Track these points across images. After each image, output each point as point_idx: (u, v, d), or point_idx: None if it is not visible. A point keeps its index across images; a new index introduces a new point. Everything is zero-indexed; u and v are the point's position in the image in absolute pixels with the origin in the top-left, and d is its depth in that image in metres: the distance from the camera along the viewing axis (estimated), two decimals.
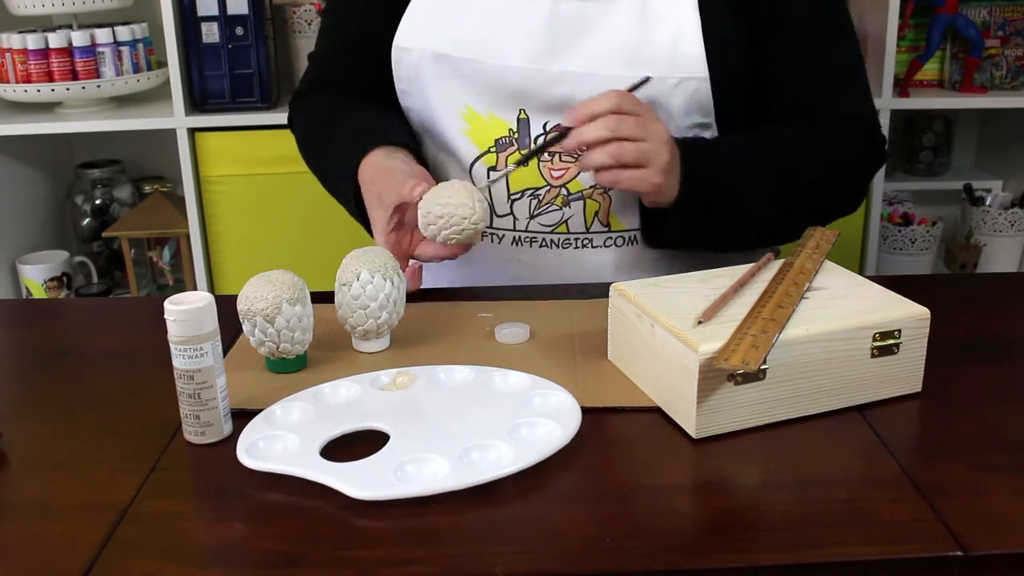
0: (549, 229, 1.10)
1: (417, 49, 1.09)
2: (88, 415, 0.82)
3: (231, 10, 1.90)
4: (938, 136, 2.26)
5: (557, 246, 1.10)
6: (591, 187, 1.08)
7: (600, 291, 0.92)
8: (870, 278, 0.88)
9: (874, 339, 0.78)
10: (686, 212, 1.00)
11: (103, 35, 1.96)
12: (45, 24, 2.07)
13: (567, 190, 1.08)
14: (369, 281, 0.87)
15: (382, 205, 1.00)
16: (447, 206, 0.94)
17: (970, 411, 0.80)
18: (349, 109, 1.14)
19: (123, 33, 1.98)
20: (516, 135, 1.07)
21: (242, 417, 0.77)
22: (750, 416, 0.76)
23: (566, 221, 1.09)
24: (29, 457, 0.76)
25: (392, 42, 1.11)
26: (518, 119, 1.07)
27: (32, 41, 1.91)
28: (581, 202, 1.08)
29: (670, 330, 0.76)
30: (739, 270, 0.88)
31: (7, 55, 1.93)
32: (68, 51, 1.93)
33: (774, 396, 0.76)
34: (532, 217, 1.10)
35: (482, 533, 0.64)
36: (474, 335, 0.93)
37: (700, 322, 0.77)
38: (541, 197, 1.09)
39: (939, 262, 2.23)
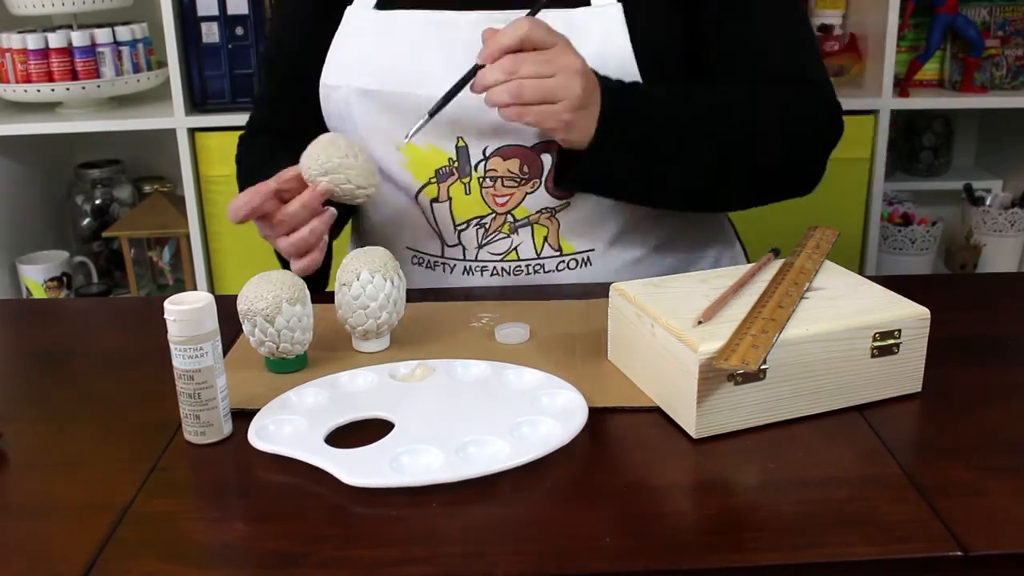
0: (499, 257, 1.08)
1: (343, 86, 1.07)
2: (88, 415, 0.82)
3: (231, 10, 1.90)
4: (938, 136, 2.26)
5: (508, 274, 1.09)
6: (537, 212, 1.06)
7: (600, 291, 0.92)
8: (870, 278, 0.88)
9: (874, 339, 0.78)
10: (601, 152, 0.96)
11: (103, 35, 1.96)
12: (45, 24, 2.07)
13: (513, 216, 1.06)
14: (369, 281, 0.87)
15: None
16: (344, 160, 0.94)
17: (970, 411, 0.80)
18: (278, 157, 1.08)
19: (123, 33, 1.98)
20: (456, 163, 1.05)
21: (242, 417, 0.78)
22: (750, 416, 0.76)
23: (515, 248, 1.07)
24: (29, 457, 0.76)
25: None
26: (457, 147, 1.04)
27: (32, 41, 1.91)
28: (528, 228, 1.07)
29: (670, 330, 0.76)
30: (739, 270, 0.88)
31: (7, 55, 1.93)
32: (68, 51, 1.93)
33: (774, 396, 0.76)
34: (481, 246, 1.08)
35: (482, 533, 0.64)
36: (474, 335, 0.93)
37: (700, 322, 0.77)
38: (487, 225, 1.07)
39: (939, 262, 2.23)
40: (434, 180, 1.06)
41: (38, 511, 0.69)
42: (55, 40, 1.92)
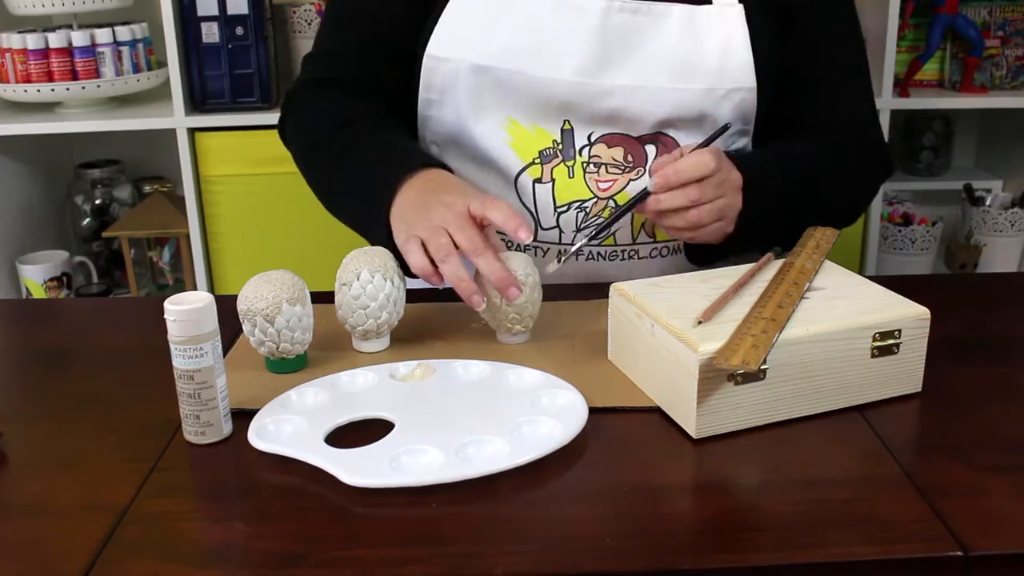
0: (596, 242, 1.09)
1: (455, 59, 1.04)
2: (88, 415, 0.82)
3: (231, 10, 1.90)
4: (938, 136, 2.26)
5: (604, 258, 1.09)
6: (642, 191, 1.07)
7: (600, 291, 0.92)
8: (870, 278, 0.88)
9: (874, 339, 0.78)
10: (737, 242, 1.01)
11: (103, 35, 1.96)
12: (45, 24, 2.07)
13: (615, 202, 1.07)
14: (369, 281, 0.87)
15: (466, 193, 0.93)
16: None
17: (970, 411, 0.80)
18: (365, 128, 1.07)
19: (123, 33, 1.98)
20: (560, 146, 1.06)
21: (242, 417, 0.78)
22: (750, 416, 0.76)
23: (613, 234, 1.08)
24: (29, 457, 0.76)
25: (414, 47, 1.07)
26: (562, 130, 1.05)
27: (32, 41, 1.91)
28: (629, 214, 1.06)
29: (670, 330, 0.76)
30: (739, 270, 0.88)
31: (7, 55, 1.93)
32: (68, 51, 1.93)
33: (774, 396, 0.76)
34: (579, 230, 1.08)
35: (482, 533, 0.64)
36: (474, 335, 0.93)
37: (700, 322, 0.77)
38: (588, 209, 1.08)
39: (939, 262, 2.23)
40: (537, 161, 1.07)
41: (38, 511, 0.68)
42: (55, 40, 1.92)
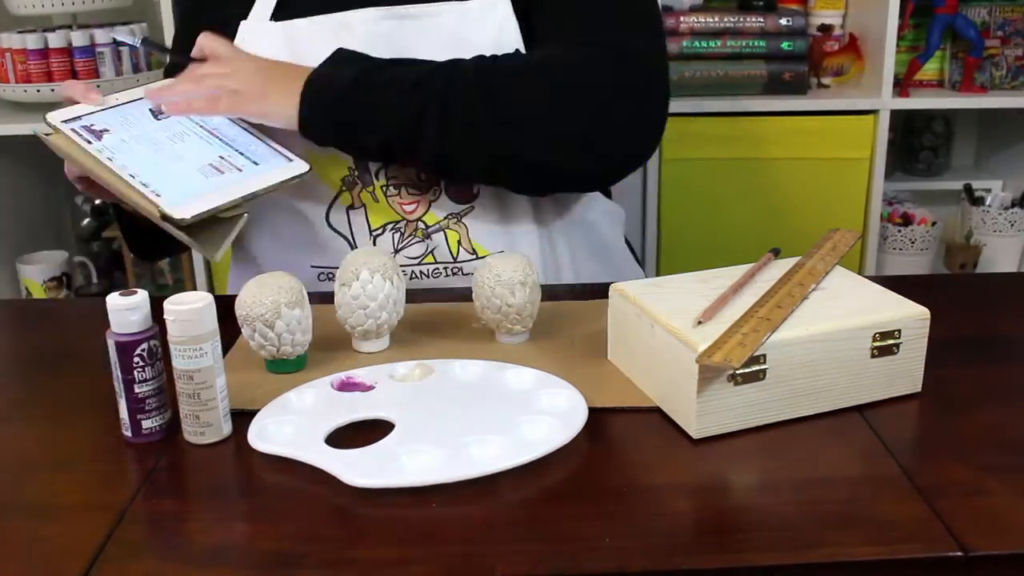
0: (416, 260, 1.08)
1: None
2: (87, 415, 0.82)
3: None
4: (938, 136, 2.26)
5: (428, 276, 1.09)
6: (446, 217, 1.07)
7: (600, 291, 0.92)
8: (870, 278, 0.88)
9: (874, 339, 0.78)
10: (312, 107, 0.99)
11: (103, 35, 1.96)
12: (44, 24, 2.07)
13: (424, 223, 1.07)
14: (369, 281, 0.87)
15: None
16: None
17: (970, 411, 0.80)
18: None
19: (123, 33, 1.98)
20: (356, 172, 1.06)
21: (242, 417, 0.78)
22: (750, 416, 0.76)
23: (432, 252, 1.08)
24: (29, 457, 0.76)
25: None
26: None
27: (31, 41, 1.91)
28: (442, 233, 1.08)
29: (670, 330, 0.76)
30: (739, 270, 0.88)
31: (7, 55, 1.93)
32: (67, 51, 1.93)
33: (774, 396, 0.76)
34: (397, 251, 1.08)
35: (482, 533, 0.64)
36: (474, 335, 0.93)
37: (700, 322, 0.77)
38: (403, 230, 1.08)
39: (939, 262, 2.23)
40: (344, 188, 1.07)
41: (38, 511, 0.68)
42: (54, 40, 1.92)
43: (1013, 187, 2.22)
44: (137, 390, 0.75)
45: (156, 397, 0.76)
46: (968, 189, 2.18)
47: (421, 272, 1.09)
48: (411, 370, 0.84)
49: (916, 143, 2.27)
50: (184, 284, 2.13)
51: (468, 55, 1.00)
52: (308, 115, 0.98)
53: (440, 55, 1.00)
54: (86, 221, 2.22)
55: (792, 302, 0.80)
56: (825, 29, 2.12)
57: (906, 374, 0.81)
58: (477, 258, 1.09)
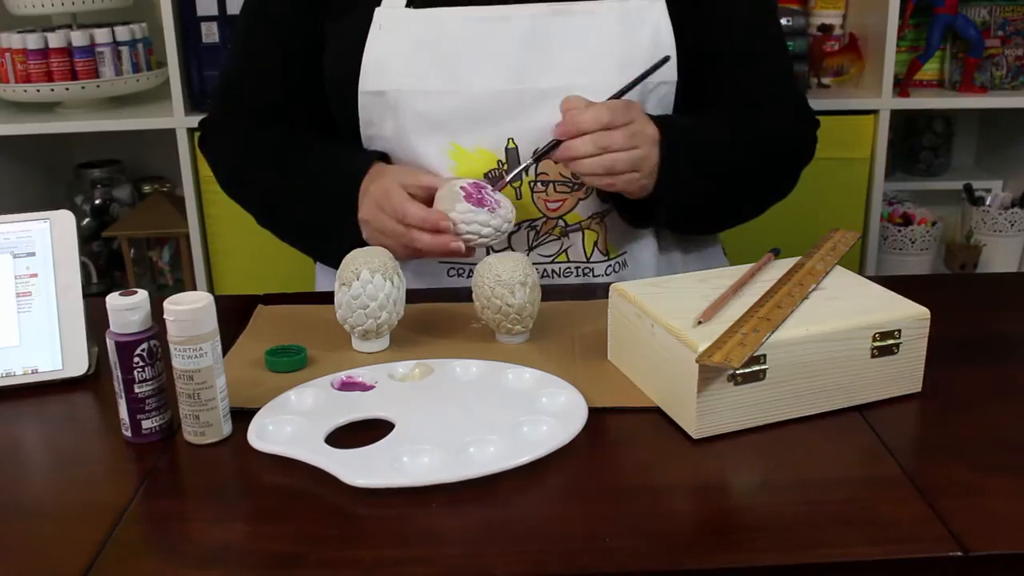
0: (549, 259, 1.09)
1: (389, 91, 1.04)
2: (87, 415, 0.82)
3: (231, 10, 1.90)
4: (938, 136, 2.25)
5: (559, 275, 1.09)
6: (588, 218, 1.07)
7: (600, 291, 0.92)
8: (870, 278, 0.88)
9: (874, 339, 0.78)
10: (663, 204, 1.02)
11: (102, 35, 1.95)
12: (44, 24, 2.07)
13: (564, 221, 1.07)
14: (369, 281, 0.87)
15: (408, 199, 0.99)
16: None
17: (970, 411, 0.80)
18: (302, 147, 1.09)
19: (122, 33, 1.98)
20: (506, 166, 1.05)
21: (242, 417, 0.77)
22: (750, 416, 0.76)
23: (566, 251, 1.08)
24: (29, 457, 0.76)
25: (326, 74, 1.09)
26: (506, 149, 1.04)
27: (31, 41, 1.91)
28: (580, 232, 1.08)
29: (670, 330, 0.76)
30: (739, 270, 0.88)
31: (7, 55, 1.93)
32: (67, 51, 1.93)
33: (774, 396, 0.76)
34: (531, 248, 1.08)
35: (482, 533, 0.64)
36: (474, 335, 0.93)
37: (700, 322, 0.77)
38: (539, 228, 1.08)
39: (939, 262, 2.23)
40: None
41: (38, 511, 0.68)
42: (54, 40, 1.92)
43: (1013, 187, 2.22)
44: (137, 390, 0.75)
45: (156, 397, 0.76)
46: (968, 189, 2.18)
47: (552, 271, 1.09)
48: (411, 370, 0.84)
49: (916, 143, 2.26)
50: (184, 284, 2.13)
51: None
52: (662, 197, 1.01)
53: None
54: (86, 221, 2.22)
55: (792, 302, 0.80)
56: (825, 29, 2.12)
57: (906, 374, 0.81)
58: (609, 259, 1.10)
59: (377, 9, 1.05)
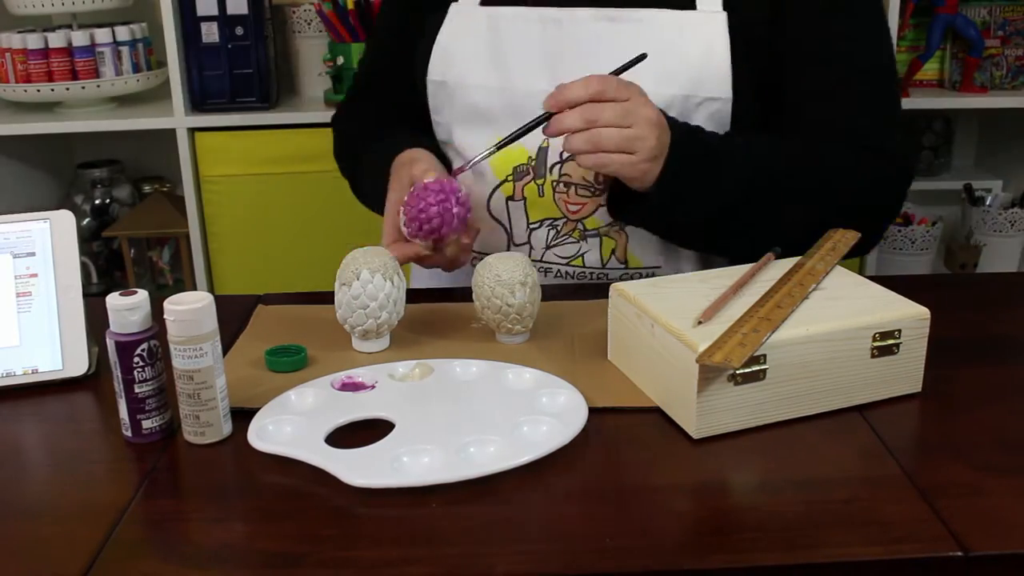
0: (565, 261, 1.09)
1: (449, 81, 1.10)
2: (87, 415, 0.82)
3: (231, 10, 1.90)
4: (938, 136, 2.26)
5: (572, 278, 1.10)
6: (608, 224, 1.07)
7: (600, 291, 0.92)
8: (870, 278, 0.88)
9: (874, 339, 0.78)
10: (660, 200, 0.96)
11: (103, 35, 1.96)
12: (45, 24, 2.07)
13: (583, 226, 1.07)
14: (369, 281, 0.87)
15: (396, 188, 1.01)
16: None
17: (970, 411, 0.80)
18: (385, 133, 1.15)
19: (123, 33, 1.98)
20: (534, 163, 1.06)
21: (242, 417, 0.77)
22: (750, 416, 0.76)
23: (582, 255, 1.08)
24: (29, 457, 0.76)
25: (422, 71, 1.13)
26: (539, 148, 1.06)
27: (32, 41, 1.91)
28: (598, 238, 1.08)
29: (670, 330, 0.76)
30: (739, 270, 0.88)
31: (7, 55, 1.93)
32: (68, 51, 1.94)
33: (774, 396, 0.76)
34: (548, 247, 1.09)
35: (482, 533, 0.64)
36: (474, 335, 0.93)
37: (700, 322, 0.77)
38: (559, 228, 1.08)
39: (939, 262, 2.23)
40: (511, 178, 1.08)
41: (38, 511, 0.68)
42: (55, 40, 1.92)
43: (1013, 187, 2.22)
44: (137, 390, 0.75)
45: (156, 397, 0.76)
46: (968, 189, 2.18)
47: (567, 272, 1.10)
48: (411, 370, 0.84)
49: (916, 143, 2.26)
50: (184, 284, 2.13)
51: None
52: (660, 194, 0.95)
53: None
54: (86, 221, 2.22)
55: (792, 302, 0.80)
56: None
57: (906, 374, 0.81)
58: (627, 268, 1.09)
59: (453, 4, 1.11)
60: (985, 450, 0.74)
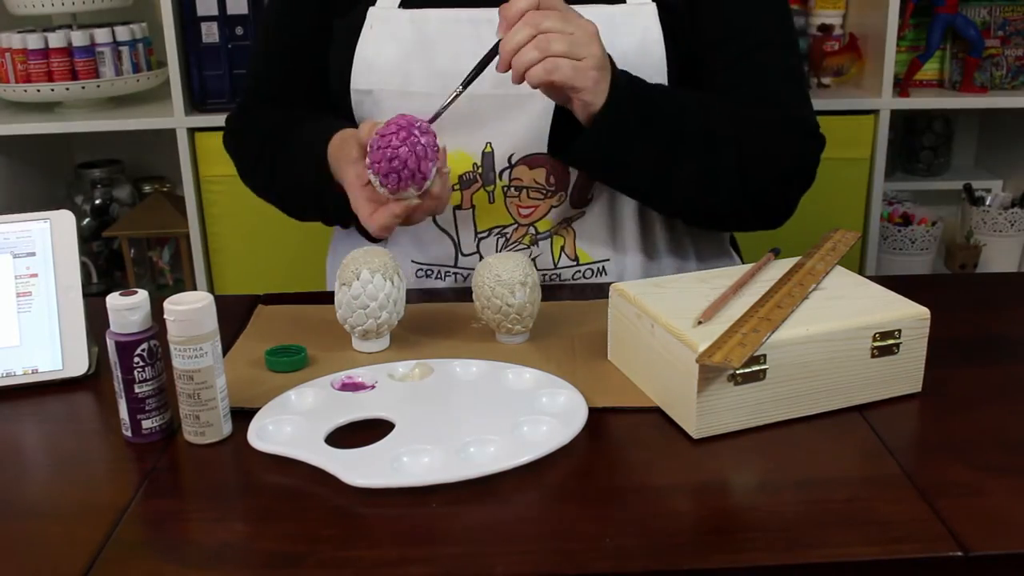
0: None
1: (376, 90, 1.05)
2: (87, 414, 0.82)
3: (231, 10, 1.90)
4: (938, 136, 2.25)
5: None
6: (559, 223, 1.06)
7: (600, 291, 0.92)
8: (870, 278, 0.88)
9: (874, 339, 0.78)
10: (609, 121, 0.94)
11: (102, 35, 1.96)
12: (44, 24, 2.07)
13: (535, 229, 1.07)
14: (369, 281, 0.87)
15: (350, 159, 0.95)
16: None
17: (970, 411, 0.80)
18: (305, 118, 1.09)
19: (123, 33, 1.98)
20: (480, 170, 1.05)
21: (242, 417, 0.77)
22: (750, 416, 0.76)
23: (534, 259, 1.07)
24: (29, 457, 0.76)
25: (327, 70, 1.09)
26: (483, 153, 1.04)
27: (32, 41, 1.91)
28: (548, 240, 1.07)
29: (670, 330, 0.76)
30: (739, 270, 0.88)
31: (7, 55, 1.93)
32: (67, 51, 1.93)
33: (774, 396, 0.76)
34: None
35: (482, 533, 0.64)
36: (474, 335, 0.93)
37: (700, 322, 0.77)
38: (508, 236, 1.07)
39: (939, 262, 2.23)
40: (457, 187, 1.05)
41: (38, 511, 0.68)
42: (55, 40, 1.92)
43: (1013, 187, 2.22)
44: (137, 390, 0.75)
45: (156, 397, 0.76)
46: (968, 189, 2.18)
47: None
48: (411, 370, 0.84)
49: (916, 143, 2.26)
50: (184, 284, 2.13)
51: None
52: (612, 106, 0.94)
53: None
54: (86, 221, 2.22)
55: (792, 302, 0.80)
56: (825, 29, 2.12)
57: (906, 374, 0.81)
58: (577, 265, 1.08)
59: (371, 8, 1.06)
60: (985, 450, 0.74)
